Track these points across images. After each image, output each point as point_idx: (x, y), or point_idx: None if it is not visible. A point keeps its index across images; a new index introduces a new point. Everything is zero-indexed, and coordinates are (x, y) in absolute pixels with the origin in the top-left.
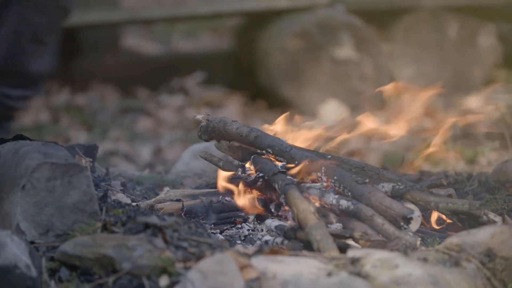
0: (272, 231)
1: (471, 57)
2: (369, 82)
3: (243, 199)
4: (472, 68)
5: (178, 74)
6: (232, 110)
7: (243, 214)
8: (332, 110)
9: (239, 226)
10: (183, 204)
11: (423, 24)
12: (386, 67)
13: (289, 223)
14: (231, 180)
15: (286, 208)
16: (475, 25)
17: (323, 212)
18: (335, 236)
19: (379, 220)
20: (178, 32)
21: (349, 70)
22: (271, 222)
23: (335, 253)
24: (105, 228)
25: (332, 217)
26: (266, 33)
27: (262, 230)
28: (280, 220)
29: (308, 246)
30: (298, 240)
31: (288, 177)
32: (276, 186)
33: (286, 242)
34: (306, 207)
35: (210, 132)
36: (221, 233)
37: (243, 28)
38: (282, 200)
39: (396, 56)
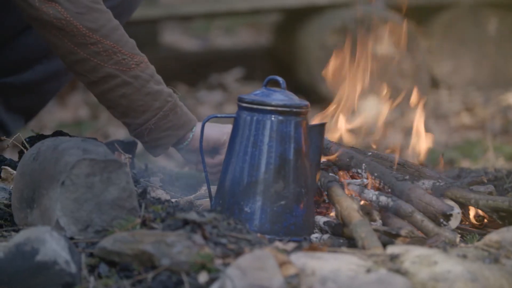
0: (321, 226)
1: (510, 52)
2: (408, 78)
3: None
4: None
5: (216, 70)
6: None
7: None
8: (371, 106)
9: None
10: None
11: (462, 20)
12: (424, 63)
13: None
14: None
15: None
16: None
17: (366, 209)
18: (383, 233)
19: (418, 216)
20: (216, 28)
21: (388, 66)
22: (320, 218)
23: (381, 250)
24: (144, 224)
25: (376, 214)
26: (305, 29)
27: None
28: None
29: (349, 243)
30: (344, 236)
31: (330, 174)
32: (319, 183)
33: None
34: (349, 205)
35: None
36: None
37: (282, 24)
38: (324, 197)
39: (434, 51)
